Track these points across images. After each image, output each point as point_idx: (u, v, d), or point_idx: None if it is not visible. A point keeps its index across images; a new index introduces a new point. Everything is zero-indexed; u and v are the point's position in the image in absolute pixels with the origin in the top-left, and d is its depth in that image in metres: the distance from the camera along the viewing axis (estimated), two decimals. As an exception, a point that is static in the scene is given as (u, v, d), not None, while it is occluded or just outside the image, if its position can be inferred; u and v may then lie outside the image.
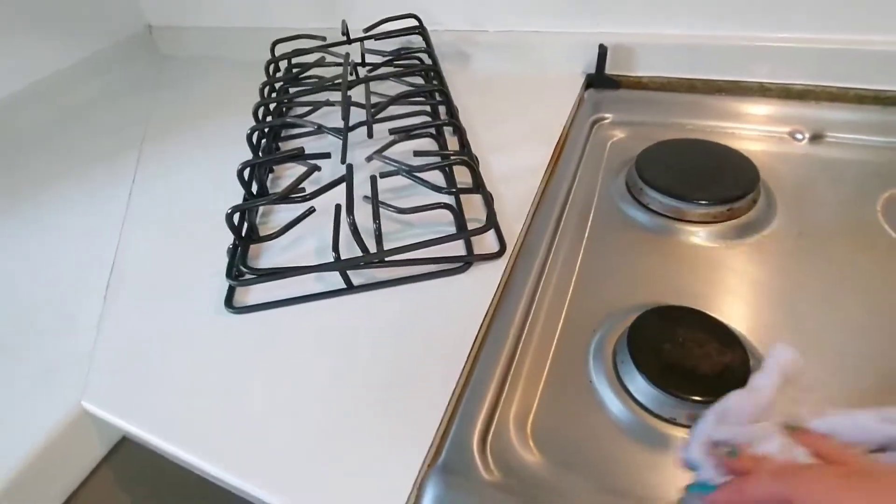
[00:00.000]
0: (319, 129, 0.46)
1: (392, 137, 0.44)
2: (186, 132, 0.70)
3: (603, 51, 0.62)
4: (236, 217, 0.40)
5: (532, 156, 0.54)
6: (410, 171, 0.40)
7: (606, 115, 0.61)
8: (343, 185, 0.39)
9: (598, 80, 0.64)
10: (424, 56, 0.60)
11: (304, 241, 0.47)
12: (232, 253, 0.41)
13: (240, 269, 0.40)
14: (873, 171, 0.49)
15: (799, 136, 0.54)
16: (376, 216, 0.37)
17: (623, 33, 0.63)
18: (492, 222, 0.40)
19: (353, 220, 0.36)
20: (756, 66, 0.60)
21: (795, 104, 0.58)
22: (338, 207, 0.41)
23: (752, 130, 0.55)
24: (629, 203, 0.48)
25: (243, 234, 0.42)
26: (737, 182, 0.46)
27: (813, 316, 0.38)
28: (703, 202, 0.45)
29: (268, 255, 0.46)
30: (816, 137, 0.53)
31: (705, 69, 0.62)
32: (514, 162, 0.53)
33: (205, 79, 0.86)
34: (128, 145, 0.69)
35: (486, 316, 0.39)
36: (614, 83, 0.64)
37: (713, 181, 0.46)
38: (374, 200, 0.38)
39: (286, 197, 0.39)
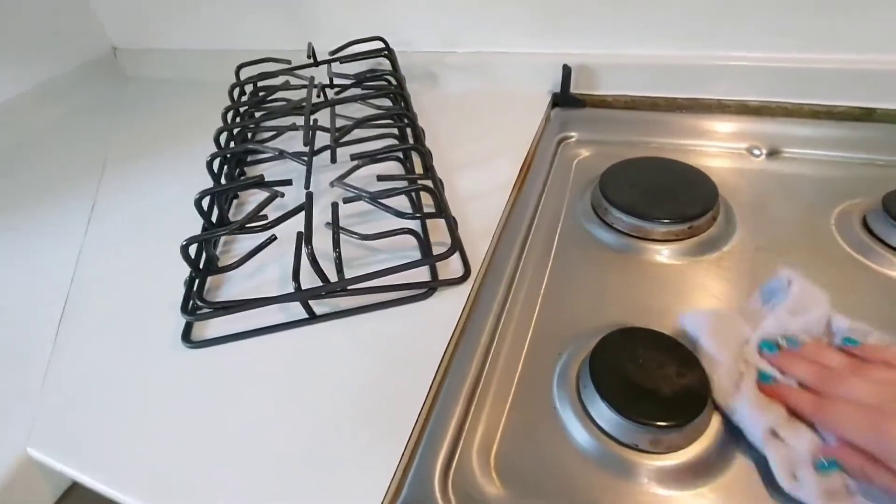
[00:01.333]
0: (281, 155, 0.45)
1: (355, 163, 0.43)
2: (149, 156, 0.69)
3: (567, 71, 0.63)
4: (193, 249, 0.38)
5: (499, 174, 0.54)
6: (373, 198, 0.40)
7: (572, 134, 0.62)
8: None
9: (564, 99, 0.65)
10: (392, 78, 0.60)
11: (266, 269, 0.46)
12: (188, 286, 0.40)
13: (196, 303, 0.39)
14: (828, 185, 0.50)
15: (756, 151, 0.55)
16: (336, 244, 0.37)
17: (586, 54, 0.65)
18: (455, 247, 0.40)
19: (312, 249, 0.36)
20: (714, 83, 0.61)
21: (753, 120, 0.59)
22: (299, 235, 0.41)
23: (713, 147, 0.57)
24: (594, 222, 0.49)
25: (201, 266, 0.41)
26: (697, 200, 0.47)
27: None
28: (665, 220, 0.45)
29: (230, 285, 0.45)
30: (773, 153, 0.55)
31: (667, 87, 0.63)
32: (481, 181, 0.53)
33: (170, 101, 0.85)
34: (89, 171, 0.67)
35: (449, 342, 0.38)
36: (579, 102, 0.66)
37: (674, 199, 0.47)
38: (335, 227, 0.38)
39: (244, 227, 0.38)
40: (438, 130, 0.63)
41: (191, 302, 0.40)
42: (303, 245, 0.35)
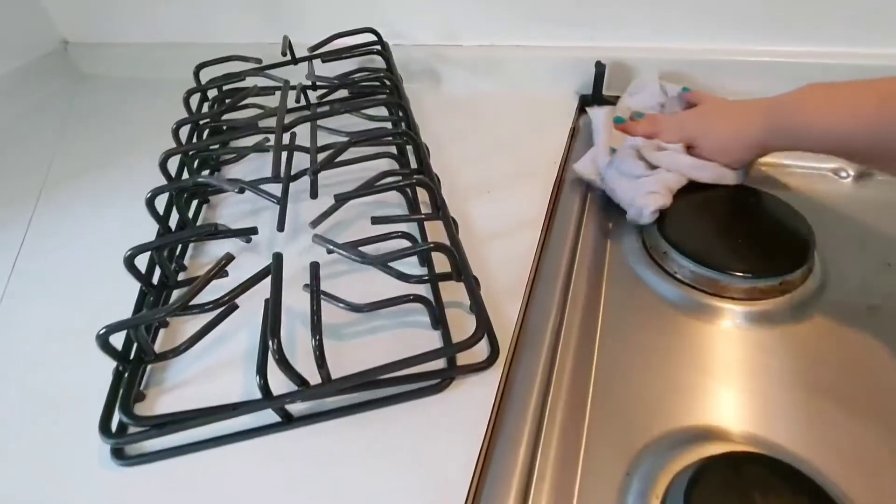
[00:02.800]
0: (242, 190, 0.34)
1: (337, 203, 0.32)
2: (97, 173, 0.57)
3: (601, 69, 0.52)
4: (119, 337, 0.27)
5: (524, 205, 0.43)
6: (365, 258, 0.29)
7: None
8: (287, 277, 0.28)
9: (596, 103, 0.54)
10: (386, 80, 0.49)
11: (230, 339, 0.35)
12: (112, 390, 0.29)
13: (122, 418, 0.28)
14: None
15: (843, 173, 0.44)
16: (316, 328, 0.26)
17: (620, 47, 0.54)
18: (483, 328, 0.29)
19: (279, 346, 0.25)
20: (783, 82, 0.50)
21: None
22: (264, 323, 0.30)
23: (791, 167, 0.46)
24: (649, 269, 0.38)
25: (131, 357, 0.30)
26: (788, 245, 0.36)
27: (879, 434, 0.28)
28: (747, 274, 0.35)
29: (178, 368, 0.34)
30: (863, 175, 0.44)
31: (724, 87, 0.52)
32: (503, 214, 0.43)
33: (127, 103, 0.72)
34: (23, 194, 0.55)
35: (479, 457, 0.28)
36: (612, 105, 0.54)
37: (757, 244, 0.37)
38: (315, 302, 0.27)
39: (186, 307, 0.27)
40: (445, 145, 0.51)
41: (119, 414, 0.28)
42: (269, 340, 0.24)
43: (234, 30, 0.69)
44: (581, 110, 0.56)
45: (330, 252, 0.31)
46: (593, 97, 0.54)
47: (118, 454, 0.29)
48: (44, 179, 0.58)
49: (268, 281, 0.29)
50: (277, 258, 0.28)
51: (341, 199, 0.32)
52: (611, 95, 0.55)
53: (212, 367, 0.34)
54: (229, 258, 0.28)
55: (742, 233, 0.37)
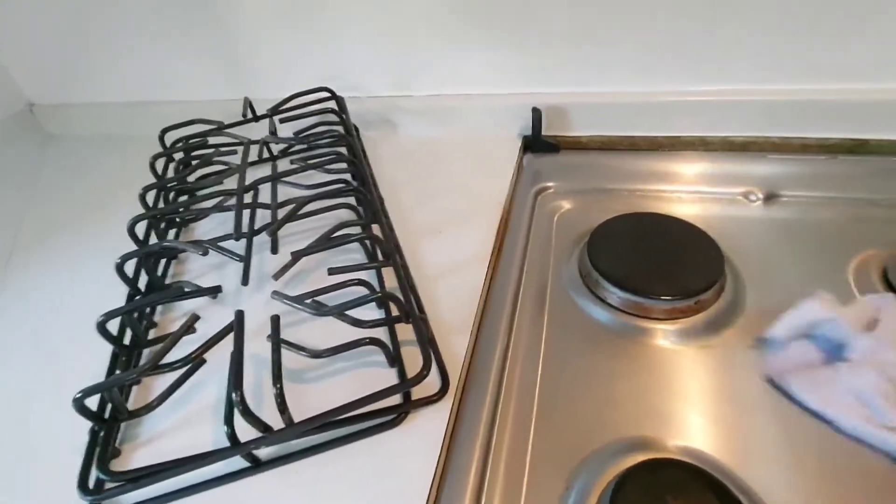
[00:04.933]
0: (206, 252, 0.37)
1: (293, 259, 0.35)
2: (67, 234, 0.59)
3: (537, 114, 0.57)
4: (94, 402, 0.30)
5: (472, 241, 0.47)
6: (318, 311, 0.32)
7: (549, 184, 0.55)
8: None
9: (536, 144, 0.59)
10: (342, 138, 0.53)
11: (200, 391, 0.37)
12: (88, 450, 0.31)
13: (99, 475, 0.30)
14: (837, 232, 0.46)
15: (753, 196, 0.50)
16: (277, 378, 0.29)
17: (556, 93, 0.59)
18: (428, 365, 0.32)
19: (242, 397, 0.28)
20: (695, 119, 0.56)
21: (742, 160, 0.54)
22: (234, 358, 0.32)
23: (703, 193, 0.51)
24: (585, 296, 0.42)
25: (106, 416, 0.32)
26: (701, 267, 0.41)
27: (793, 435, 0.32)
28: (666, 297, 0.39)
29: (151, 422, 0.36)
30: (771, 197, 0.50)
31: (644, 126, 0.58)
32: (452, 251, 0.46)
33: (94, 161, 0.75)
34: (-8, 260, 0.57)
35: (432, 483, 0.31)
36: (553, 146, 0.60)
37: (674, 267, 0.41)
38: (275, 352, 0.30)
39: (156, 367, 0.29)
40: (400, 188, 0.56)
41: (92, 475, 0.30)
42: (232, 392, 0.27)
43: (195, 87, 0.72)
44: (524, 150, 0.61)
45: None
46: (533, 139, 0.59)
47: (95, 507, 0.31)
48: (13, 242, 0.59)
49: (232, 335, 0.32)
50: (239, 316, 0.31)
51: (299, 255, 0.36)
52: (549, 136, 0.60)
53: (184, 419, 0.36)
54: (194, 318, 0.31)
55: (661, 258, 0.42)
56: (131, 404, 0.37)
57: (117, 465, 0.34)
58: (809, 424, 0.32)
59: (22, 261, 0.56)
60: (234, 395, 0.27)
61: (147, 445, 0.35)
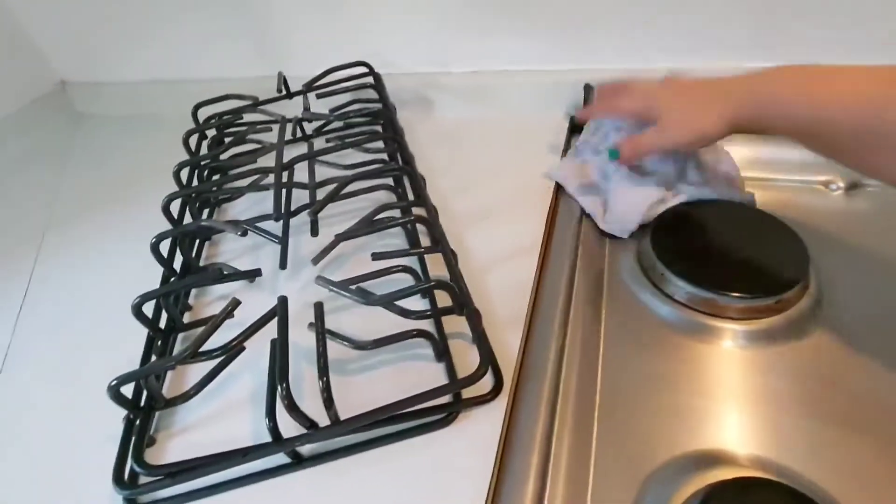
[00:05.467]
0: (245, 233, 0.34)
1: (337, 241, 0.33)
2: (100, 214, 0.57)
3: (589, 92, 0.53)
4: (129, 388, 0.28)
5: (520, 231, 0.44)
6: (366, 298, 0.29)
7: (602, 169, 0.51)
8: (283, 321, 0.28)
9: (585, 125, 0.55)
10: (381, 114, 0.50)
11: (237, 380, 0.36)
12: (123, 440, 0.29)
13: (135, 468, 0.28)
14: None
15: (834, 186, 0.45)
16: (323, 371, 0.27)
17: (608, 69, 0.55)
18: (487, 362, 0.30)
19: (288, 391, 0.25)
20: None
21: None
22: (274, 345, 0.30)
23: (779, 182, 0.47)
24: (647, 290, 0.39)
25: (142, 405, 0.30)
26: (782, 262, 0.37)
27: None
28: (743, 294, 0.35)
29: (187, 411, 0.34)
30: (853, 186, 0.45)
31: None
32: (500, 241, 0.43)
33: (125, 141, 0.73)
34: (27, 236, 0.56)
35: (488, 491, 0.28)
36: (605, 127, 0.55)
37: (751, 262, 0.37)
38: (320, 343, 0.28)
39: (196, 355, 0.27)
40: (440, 172, 0.52)
41: (128, 467, 0.29)
42: (277, 385, 0.25)
43: (228, 64, 0.70)
44: (572, 131, 0.57)
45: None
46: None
47: (133, 502, 0.29)
48: (47, 221, 0.59)
49: (273, 321, 0.30)
50: (283, 302, 0.29)
51: (342, 238, 0.33)
52: (600, 116, 0.56)
53: (220, 409, 0.35)
54: (235, 303, 0.28)
55: (735, 250, 0.38)
56: (166, 391, 0.35)
57: (152, 455, 0.32)
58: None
59: (55, 239, 0.55)
60: (279, 387, 0.25)
61: (182, 435, 0.33)
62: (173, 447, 0.33)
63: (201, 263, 0.44)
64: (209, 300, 0.43)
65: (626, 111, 0.44)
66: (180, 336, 0.38)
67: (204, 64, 0.71)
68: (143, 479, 0.29)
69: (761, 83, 0.35)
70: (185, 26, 0.68)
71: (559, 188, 0.49)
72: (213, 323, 0.28)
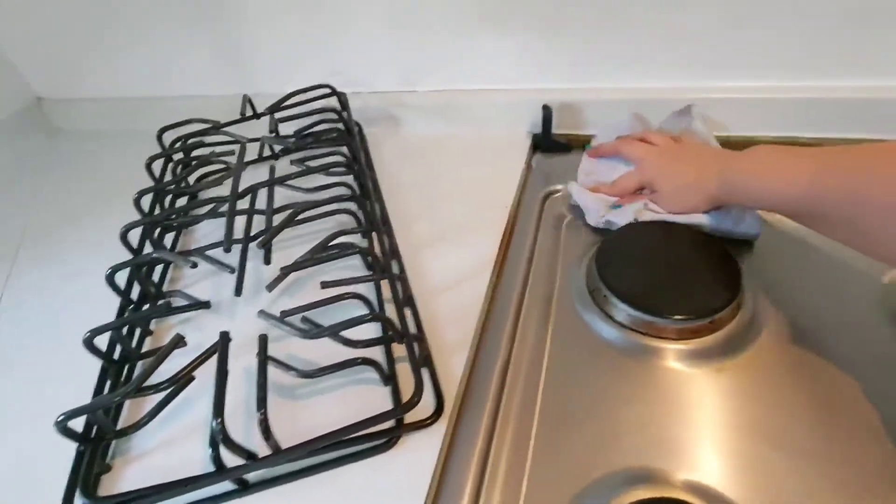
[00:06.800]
0: (195, 265, 0.35)
1: (283, 274, 0.34)
2: (71, 233, 0.58)
3: (547, 112, 0.54)
4: (78, 422, 0.29)
5: (476, 249, 0.45)
6: (307, 334, 0.30)
7: (558, 187, 0.53)
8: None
9: (546, 143, 0.56)
10: (344, 140, 0.51)
11: (193, 405, 0.37)
12: (73, 472, 0.31)
13: (83, 501, 0.29)
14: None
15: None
16: (261, 403, 0.28)
17: (567, 89, 0.56)
18: (420, 392, 0.31)
19: (222, 425, 0.26)
20: (717, 118, 0.53)
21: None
22: (217, 384, 0.31)
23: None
24: (593, 312, 0.40)
25: (92, 435, 0.31)
26: (717, 284, 0.38)
27: (820, 450, 0.30)
28: (679, 316, 0.37)
29: (143, 438, 0.35)
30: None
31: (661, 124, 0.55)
32: (455, 260, 0.45)
33: (102, 156, 0.74)
34: (1, 253, 0.57)
35: (423, 511, 0.29)
36: (564, 146, 0.57)
37: (688, 283, 0.39)
38: (261, 377, 0.29)
39: (140, 390, 0.28)
40: (403, 189, 0.54)
41: (75, 496, 0.30)
42: (213, 419, 0.26)
43: (201, 83, 0.71)
44: (534, 149, 0.58)
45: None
46: (543, 138, 0.56)
47: (83, 531, 0.30)
48: (21, 237, 0.59)
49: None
50: (224, 338, 0.30)
51: (288, 269, 0.34)
52: (561, 134, 0.57)
53: (176, 434, 0.36)
54: (178, 339, 0.30)
55: (674, 272, 0.40)
56: (124, 418, 0.36)
57: (107, 481, 0.33)
58: (832, 466, 0.30)
59: (28, 257, 0.56)
60: (214, 423, 0.26)
61: (138, 461, 0.35)
62: (129, 474, 0.34)
63: (165, 287, 0.45)
64: (171, 324, 0.44)
65: (628, 185, 0.47)
66: (139, 363, 0.39)
67: (177, 81, 0.72)
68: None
69: (739, 165, 0.39)
70: (157, 44, 0.69)
71: (518, 205, 0.51)
72: (158, 358, 0.29)
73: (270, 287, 0.37)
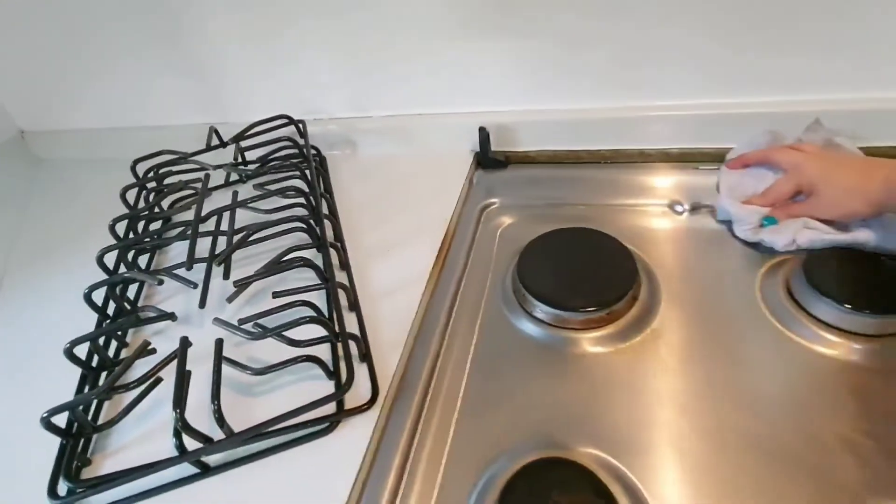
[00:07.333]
0: (161, 282, 0.41)
1: (239, 289, 0.40)
2: (54, 259, 0.63)
3: (484, 133, 0.61)
4: (63, 418, 0.34)
5: (416, 259, 0.51)
6: (254, 336, 0.36)
7: (494, 200, 0.59)
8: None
9: (485, 161, 0.63)
10: (300, 165, 0.57)
11: (164, 404, 0.42)
12: (57, 461, 0.36)
13: (63, 482, 0.35)
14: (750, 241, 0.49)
15: (679, 207, 0.53)
16: (215, 396, 0.33)
17: (503, 111, 0.62)
18: (350, 380, 0.37)
19: (181, 414, 0.32)
20: (635, 133, 0.60)
21: (675, 169, 0.58)
22: (176, 382, 0.37)
23: (636, 205, 0.55)
24: (515, 310, 0.46)
25: (73, 430, 0.37)
26: (615, 280, 0.44)
27: (691, 424, 0.36)
28: (582, 309, 0.43)
29: (120, 434, 0.41)
30: (696, 207, 0.53)
31: (589, 140, 0.61)
32: (397, 270, 0.50)
33: (81, 185, 0.80)
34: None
35: (355, 483, 0.35)
36: (501, 163, 0.63)
37: (593, 281, 0.45)
38: (216, 375, 0.34)
39: (112, 389, 0.34)
40: (357, 208, 0.60)
41: (63, 479, 0.35)
42: (174, 410, 0.32)
43: (174, 114, 0.76)
44: (477, 166, 0.64)
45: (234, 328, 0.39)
46: (482, 156, 0.63)
47: (67, 511, 0.35)
48: (4, 265, 0.64)
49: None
50: (183, 343, 0.35)
51: (238, 284, 0.40)
52: (500, 151, 0.64)
53: (148, 430, 0.41)
54: (145, 345, 0.35)
55: (581, 271, 0.46)
56: (102, 417, 0.42)
57: (87, 473, 0.38)
58: (705, 428, 0.36)
59: (13, 283, 0.61)
60: (174, 412, 0.31)
61: (115, 456, 0.40)
62: (107, 466, 0.39)
63: (140, 303, 0.51)
64: (146, 335, 0.49)
65: (784, 190, 0.47)
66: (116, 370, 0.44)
67: (152, 112, 0.77)
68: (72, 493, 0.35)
69: None
70: (132, 79, 0.75)
71: (459, 217, 0.57)
72: (127, 361, 0.34)
73: (230, 299, 0.43)
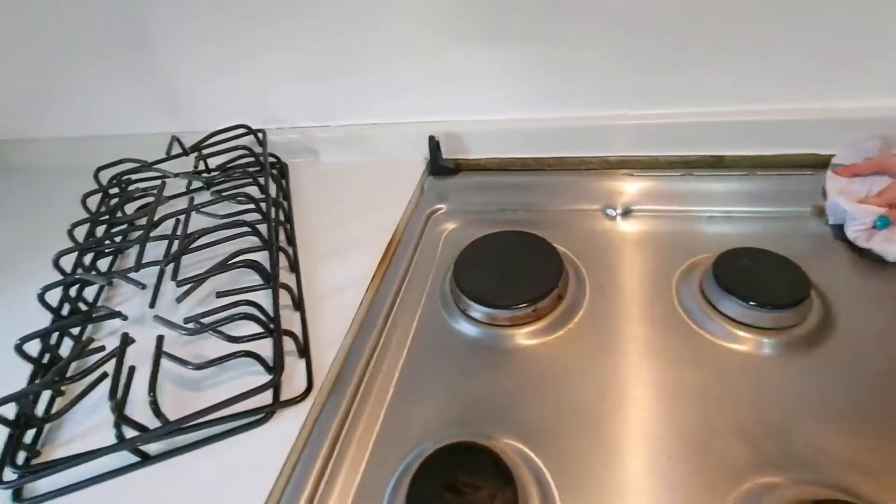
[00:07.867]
0: (111, 283, 0.43)
1: (185, 288, 0.42)
2: (19, 264, 0.65)
3: (433, 142, 0.64)
4: (9, 409, 0.37)
5: (362, 262, 0.54)
6: (191, 332, 0.39)
7: (441, 206, 0.62)
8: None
9: (435, 168, 0.66)
10: (257, 171, 0.60)
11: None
12: (4, 451, 0.38)
13: (8, 469, 0.37)
14: (674, 243, 0.52)
15: (611, 211, 0.56)
16: (151, 388, 0.36)
17: (452, 121, 0.66)
18: (280, 372, 0.39)
19: (116, 405, 0.34)
20: (576, 142, 0.63)
21: (613, 176, 0.61)
22: (130, 370, 0.39)
23: (572, 210, 0.58)
24: (451, 309, 0.49)
25: (21, 421, 0.39)
26: (542, 279, 0.47)
27: (605, 416, 0.39)
28: (510, 306, 0.46)
29: (70, 426, 0.43)
30: (628, 212, 0.56)
31: (535, 148, 0.65)
32: (343, 272, 0.53)
33: (52, 192, 0.82)
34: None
35: (281, 471, 0.37)
36: (452, 170, 0.66)
37: (522, 281, 0.48)
38: (154, 367, 0.37)
39: (59, 380, 0.36)
40: (314, 212, 0.63)
41: (4, 469, 0.37)
42: (108, 400, 0.34)
43: (140, 123, 0.79)
44: (429, 173, 0.67)
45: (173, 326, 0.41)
46: (432, 163, 0.66)
47: (17, 496, 0.37)
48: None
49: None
50: (124, 339, 0.38)
51: (180, 284, 0.42)
52: (452, 158, 0.67)
53: (96, 423, 0.43)
54: (88, 341, 0.37)
55: (511, 271, 0.49)
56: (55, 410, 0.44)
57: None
58: (619, 418, 0.39)
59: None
60: (110, 403, 0.34)
61: (62, 447, 0.42)
62: (55, 456, 0.41)
63: (99, 304, 0.53)
64: (103, 335, 0.52)
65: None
66: (73, 366, 0.47)
67: (120, 121, 0.80)
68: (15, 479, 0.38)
69: None
70: (101, 89, 0.77)
71: (408, 222, 0.59)
72: (68, 358, 0.37)
73: (180, 299, 0.45)
